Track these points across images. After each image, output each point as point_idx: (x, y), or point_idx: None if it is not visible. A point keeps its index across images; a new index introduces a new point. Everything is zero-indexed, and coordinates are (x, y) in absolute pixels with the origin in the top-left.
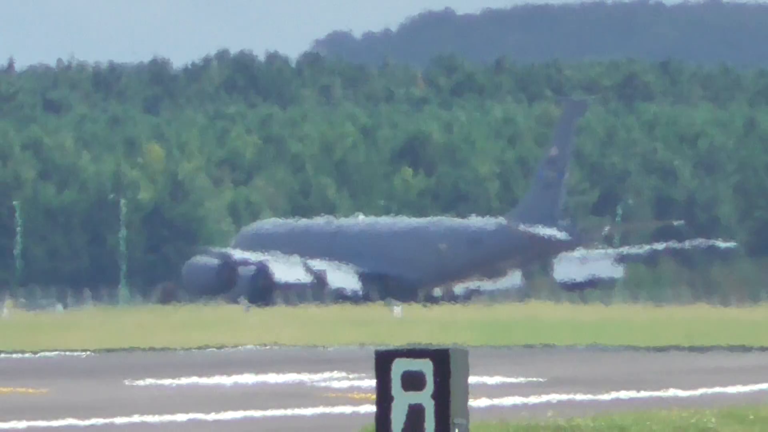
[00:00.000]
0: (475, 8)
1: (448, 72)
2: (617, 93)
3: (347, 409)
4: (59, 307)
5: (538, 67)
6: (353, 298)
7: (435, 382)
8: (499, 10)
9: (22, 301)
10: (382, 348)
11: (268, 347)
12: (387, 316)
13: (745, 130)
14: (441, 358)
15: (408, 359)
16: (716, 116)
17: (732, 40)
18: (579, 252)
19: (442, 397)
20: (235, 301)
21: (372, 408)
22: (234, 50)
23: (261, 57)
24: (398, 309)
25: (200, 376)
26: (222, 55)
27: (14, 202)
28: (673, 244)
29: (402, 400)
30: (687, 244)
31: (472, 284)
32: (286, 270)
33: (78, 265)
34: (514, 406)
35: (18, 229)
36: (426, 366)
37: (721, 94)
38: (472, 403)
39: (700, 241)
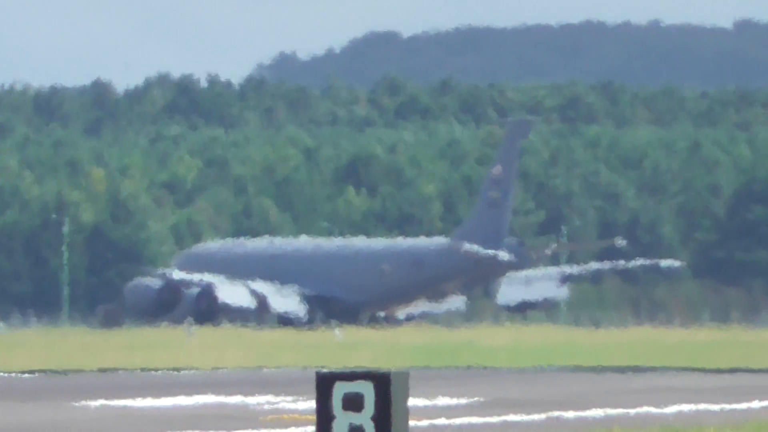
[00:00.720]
0: (419, 30)
1: (392, 93)
2: (560, 115)
3: None
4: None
5: (482, 89)
6: (296, 321)
7: (375, 404)
8: (443, 32)
9: None
10: (324, 370)
11: (210, 370)
12: (329, 339)
13: (689, 151)
14: (382, 380)
15: (349, 382)
16: (659, 138)
17: (675, 61)
18: (523, 273)
19: (382, 419)
20: (178, 322)
21: (313, 430)
22: (176, 74)
23: (203, 81)
24: (339, 334)
25: (144, 397)
26: (164, 78)
27: None
28: (617, 264)
29: (342, 422)
30: (632, 263)
31: (416, 306)
32: (230, 291)
33: (21, 287)
34: (456, 427)
35: None
36: (367, 388)
37: (664, 115)
38: (414, 424)
39: (647, 261)
